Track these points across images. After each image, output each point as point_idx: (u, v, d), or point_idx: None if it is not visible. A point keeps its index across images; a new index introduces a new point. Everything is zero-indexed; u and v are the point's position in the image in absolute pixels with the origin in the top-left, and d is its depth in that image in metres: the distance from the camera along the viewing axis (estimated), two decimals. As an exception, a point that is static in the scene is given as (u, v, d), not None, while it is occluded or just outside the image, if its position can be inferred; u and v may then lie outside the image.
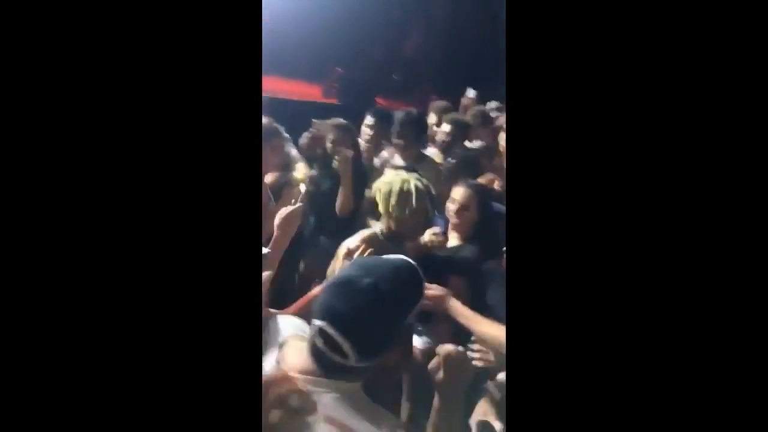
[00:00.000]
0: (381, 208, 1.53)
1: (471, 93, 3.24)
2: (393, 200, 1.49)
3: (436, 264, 1.65)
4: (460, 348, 0.93)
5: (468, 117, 2.80)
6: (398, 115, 2.17)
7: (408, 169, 1.72)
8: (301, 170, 2.02)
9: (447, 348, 0.91)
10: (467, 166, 1.98)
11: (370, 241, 1.48)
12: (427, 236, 1.66)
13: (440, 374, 0.89)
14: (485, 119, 2.82)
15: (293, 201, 1.35)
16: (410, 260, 0.90)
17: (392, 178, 1.55)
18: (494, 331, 1.22)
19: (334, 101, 4.85)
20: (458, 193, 1.75)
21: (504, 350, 1.18)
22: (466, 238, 1.75)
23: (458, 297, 1.62)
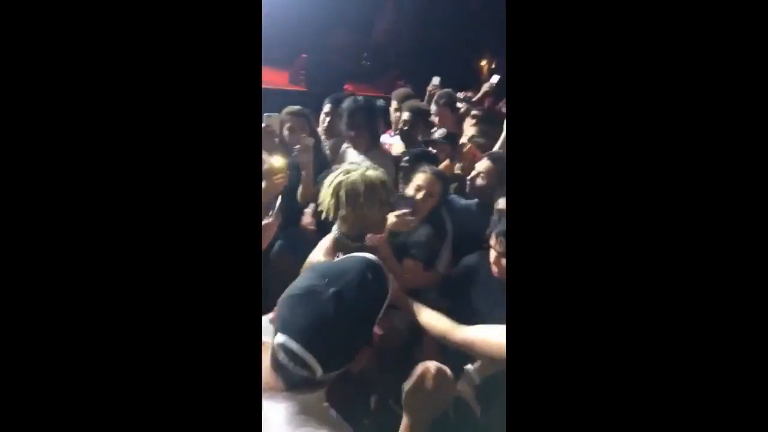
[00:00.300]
0: (344, 212, 1.38)
1: (436, 80, 3.22)
2: (361, 199, 1.35)
3: (394, 248, 1.66)
4: (440, 366, 0.86)
5: (432, 103, 2.78)
6: (346, 103, 2.03)
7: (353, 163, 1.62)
8: (279, 161, 1.89)
9: (426, 366, 0.85)
10: (424, 162, 1.96)
11: (336, 249, 1.41)
12: (392, 218, 1.58)
13: (415, 395, 0.83)
14: (451, 103, 2.79)
15: (270, 213, 1.28)
16: (373, 258, 0.87)
17: (345, 177, 1.40)
18: (434, 320, 1.22)
19: (301, 88, 4.76)
20: (422, 179, 1.74)
21: (446, 341, 1.18)
22: (420, 224, 1.74)
23: (413, 278, 1.64)
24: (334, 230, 1.45)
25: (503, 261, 1.36)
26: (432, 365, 0.86)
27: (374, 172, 1.41)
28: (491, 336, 1.12)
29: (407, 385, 0.84)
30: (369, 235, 1.41)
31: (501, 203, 1.77)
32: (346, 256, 0.89)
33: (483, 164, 2.03)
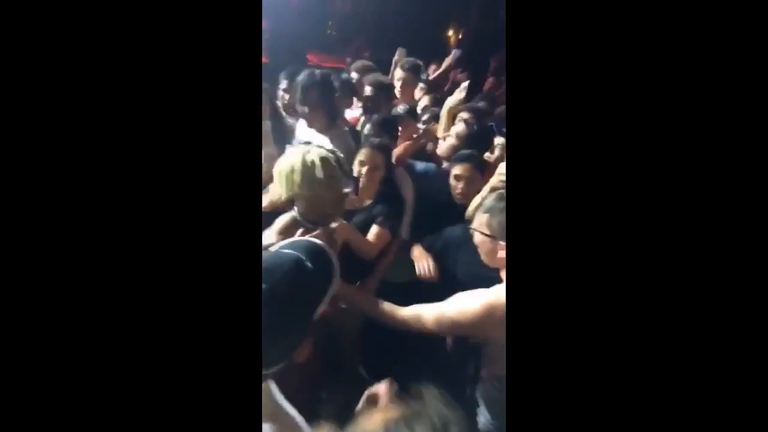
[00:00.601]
0: (296, 191, 1.36)
1: (402, 52, 3.14)
2: (297, 178, 1.33)
3: (360, 225, 1.67)
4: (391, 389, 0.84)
5: (396, 75, 2.71)
6: (300, 78, 1.90)
7: (306, 143, 1.58)
8: None
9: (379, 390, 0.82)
10: (383, 132, 1.94)
11: (290, 229, 1.38)
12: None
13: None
14: (416, 70, 2.72)
15: None
16: (317, 243, 0.84)
17: (290, 157, 1.37)
18: (374, 303, 1.24)
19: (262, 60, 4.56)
20: (363, 154, 1.74)
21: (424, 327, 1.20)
22: (376, 196, 1.77)
23: (384, 247, 1.66)
24: (294, 210, 1.42)
25: (490, 244, 1.24)
26: (378, 389, 0.85)
27: (317, 152, 1.37)
28: (427, 312, 1.19)
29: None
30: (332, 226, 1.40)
31: (456, 169, 1.80)
32: (286, 242, 0.86)
33: (457, 127, 2.05)
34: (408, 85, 2.57)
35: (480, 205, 1.41)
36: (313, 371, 1.54)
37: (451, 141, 2.06)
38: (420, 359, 1.45)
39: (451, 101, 2.23)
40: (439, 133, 2.25)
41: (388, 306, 1.24)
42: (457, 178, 1.81)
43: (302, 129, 2.05)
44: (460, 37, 5.19)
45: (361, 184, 1.75)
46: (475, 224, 1.30)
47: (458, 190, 1.81)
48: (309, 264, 0.78)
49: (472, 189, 1.75)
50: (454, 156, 1.90)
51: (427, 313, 1.19)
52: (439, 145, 2.16)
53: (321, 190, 1.35)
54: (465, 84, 2.20)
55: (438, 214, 1.85)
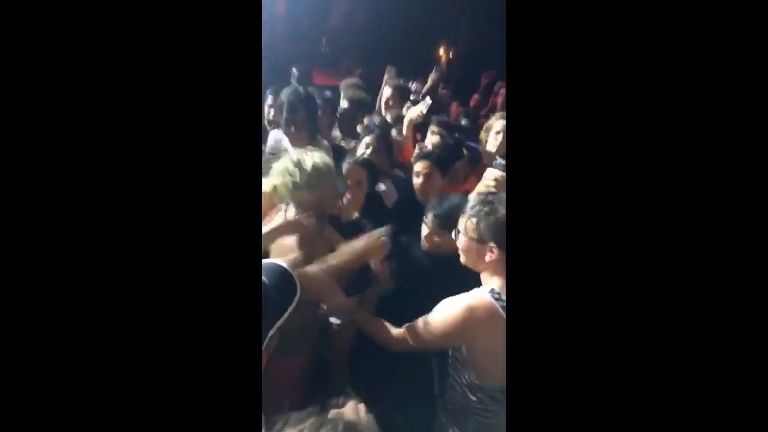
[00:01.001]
0: (290, 198, 1.43)
1: (392, 71, 3.20)
2: (300, 179, 1.39)
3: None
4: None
5: (384, 93, 2.77)
6: (285, 95, 1.94)
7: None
8: None
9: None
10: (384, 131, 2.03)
11: (289, 226, 1.43)
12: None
13: None
14: (403, 94, 2.79)
15: None
16: (280, 263, 0.87)
17: (285, 166, 1.44)
18: (394, 332, 1.25)
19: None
20: (345, 170, 1.79)
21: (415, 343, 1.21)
22: (360, 210, 1.81)
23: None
24: (292, 209, 1.47)
25: (435, 238, 1.52)
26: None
27: (320, 156, 1.44)
28: (416, 329, 1.21)
29: None
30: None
31: (417, 166, 1.87)
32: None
33: (432, 139, 2.12)
34: (395, 105, 2.63)
35: (463, 211, 1.45)
36: (298, 389, 1.54)
37: (426, 151, 2.10)
38: (409, 376, 1.46)
39: (411, 113, 2.28)
40: (404, 135, 2.30)
41: (383, 325, 1.26)
42: (417, 174, 1.87)
43: (273, 137, 2.08)
44: (450, 56, 5.30)
45: (346, 200, 1.78)
46: (461, 230, 1.33)
47: (417, 186, 1.86)
48: (268, 283, 0.80)
49: (431, 185, 1.83)
50: (416, 154, 1.97)
51: (415, 329, 1.21)
52: (414, 155, 2.20)
53: (324, 190, 1.43)
54: (428, 101, 2.25)
55: (409, 217, 1.88)
